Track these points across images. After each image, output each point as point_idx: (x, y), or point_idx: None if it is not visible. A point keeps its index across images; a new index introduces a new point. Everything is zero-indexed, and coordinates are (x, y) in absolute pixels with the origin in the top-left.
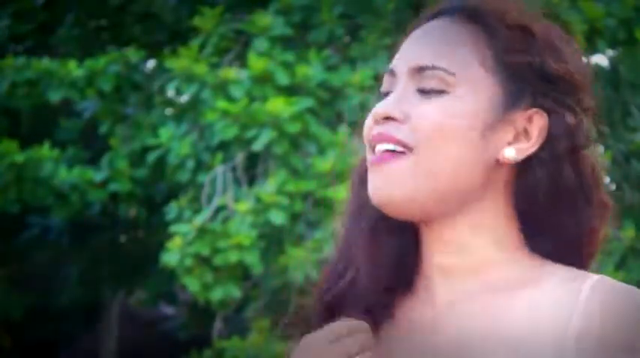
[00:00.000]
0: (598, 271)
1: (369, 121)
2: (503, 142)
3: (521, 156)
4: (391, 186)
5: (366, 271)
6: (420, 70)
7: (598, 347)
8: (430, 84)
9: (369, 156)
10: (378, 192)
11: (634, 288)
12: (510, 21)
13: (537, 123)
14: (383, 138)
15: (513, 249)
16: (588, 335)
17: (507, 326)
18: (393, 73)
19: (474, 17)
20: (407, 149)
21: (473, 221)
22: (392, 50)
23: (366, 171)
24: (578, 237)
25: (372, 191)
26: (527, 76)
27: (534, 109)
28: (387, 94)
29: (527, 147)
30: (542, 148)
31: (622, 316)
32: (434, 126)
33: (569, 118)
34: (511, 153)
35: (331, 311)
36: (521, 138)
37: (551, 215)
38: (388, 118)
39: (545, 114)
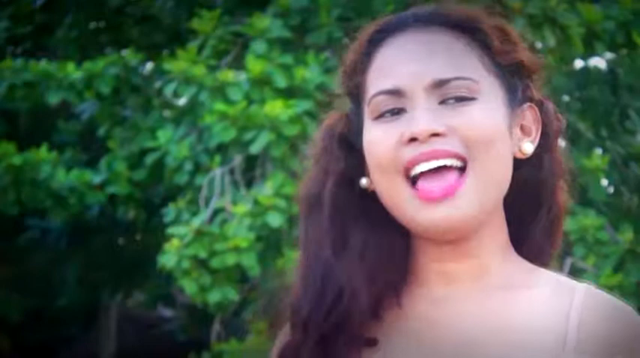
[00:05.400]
0: (596, 274)
1: (387, 144)
2: (516, 140)
3: (532, 150)
4: (461, 210)
5: (363, 282)
6: (441, 84)
7: (597, 351)
8: (457, 93)
9: (403, 185)
10: (446, 222)
11: (616, 298)
12: (491, 22)
13: (531, 116)
14: (432, 156)
15: (509, 251)
16: (587, 338)
17: (507, 326)
18: (398, 92)
19: (460, 24)
20: (459, 160)
21: (490, 228)
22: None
23: (340, 187)
24: (549, 228)
25: (439, 223)
26: (518, 74)
27: (527, 104)
28: (393, 113)
29: (532, 140)
30: (540, 140)
31: (617, 322)
32: (484, 132)
33: (550, 105)
34: (530, 148)
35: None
36: (523, 133)
37: (544, 204)
38: (432, 135)
39: (535, 107)
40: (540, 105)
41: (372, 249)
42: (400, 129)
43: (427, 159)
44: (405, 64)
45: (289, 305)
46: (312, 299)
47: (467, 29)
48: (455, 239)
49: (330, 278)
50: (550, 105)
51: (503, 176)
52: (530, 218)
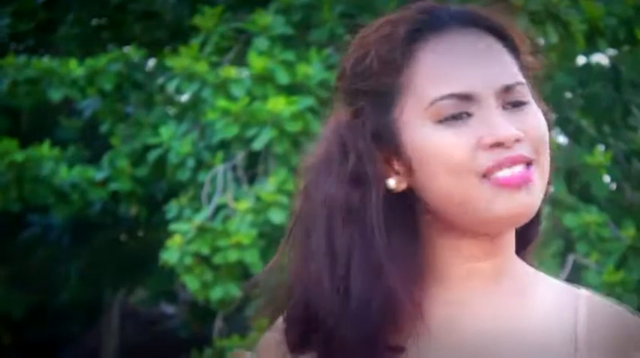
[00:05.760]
0: (599, 270)
1: (465, 149)
2: None
3: None
4: (534, 200)
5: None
6: (507, 89)
7: (610, 350)
8: (518, 98)
9: (478, 182)
10: (522, 208)
11: (618, 305)
12: (515, 29)
13: None
14: (523, 160)
15: (514, 252)
16: (596, 340)
17: (521, 330)
18: (469, 97)
19: (495, 28)
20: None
21: None
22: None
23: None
24: (535, 226)
25: (517, 208)
26: (532, 79)
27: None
28: (456, 117)
29: None
30: None
31: (624, 322)
32: (544, 135)
33: (544, 106)
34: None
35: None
36: None
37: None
38: (515, 141)
39: None
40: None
41: (407, 252)
42: (475, 133)
43: (513, 164)
44: (471, 68)
45: (314, 319)
46: (355, 310)
47: (498, 33)
48: (511, 229)
49: (376, 286)
50: (543, 107)
51: (549, 173)
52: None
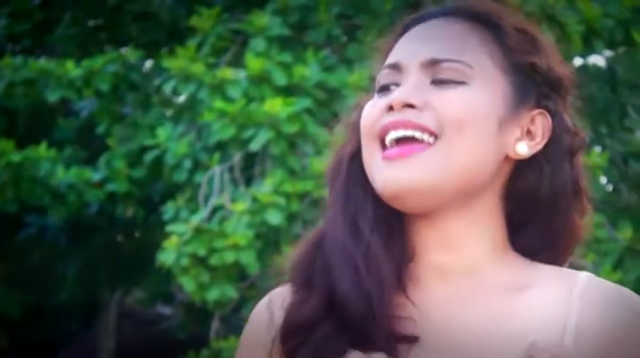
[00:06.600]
0: (596, 271)
1: (373, 112)
2: (512, 139)
3: (531, 153)
4: (414, 176)
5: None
6: (435, 63)
7: (596, 343)
8: (448, 74)
9: (377, 149)
10: (396, 183)
11: (620, 286)
12: (515, 23)
13: (541, 124)
14: (400, 125)
15: (503, 249)
16: (586, 331)
17: (509, 327)
18: (397, 67)
19: (479, 17)
20: (431, 136)
21: (472, 217)
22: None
23: (350, 166)
24: (561, 233)
25: (389, 183)
26: (533, 77)
27: (538, 110)
28: (387, 87)
29: (534, 145)
30: (546, 147)
31: (617, 312)
32: (460, 113)
33: (569, 120)
34: (524, 149)
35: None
36: (525, 137)
37: (541, 212)
38: (406, 106)
39: (548, 115)
40: (554, 115)
41: (379, 222)
42: (386, 100)
43: (396, 127)
44: (409, 43)
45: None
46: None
47: (486, 23)
48: (412, 209)
49: (346, 250)
50: (566, 119)
51: (472, 162)
52: (525, 225)
